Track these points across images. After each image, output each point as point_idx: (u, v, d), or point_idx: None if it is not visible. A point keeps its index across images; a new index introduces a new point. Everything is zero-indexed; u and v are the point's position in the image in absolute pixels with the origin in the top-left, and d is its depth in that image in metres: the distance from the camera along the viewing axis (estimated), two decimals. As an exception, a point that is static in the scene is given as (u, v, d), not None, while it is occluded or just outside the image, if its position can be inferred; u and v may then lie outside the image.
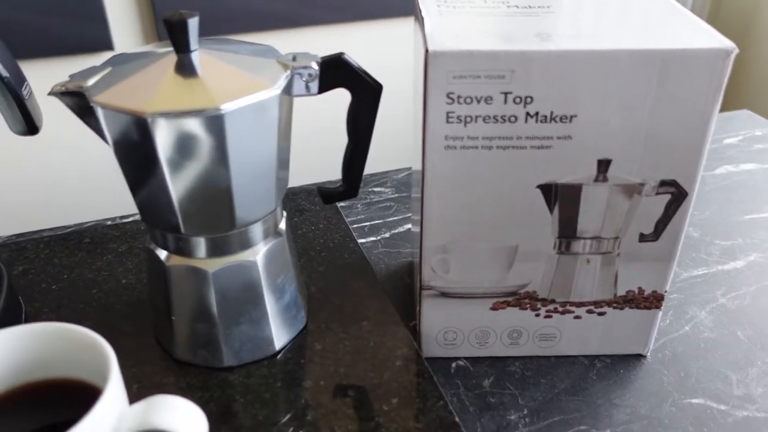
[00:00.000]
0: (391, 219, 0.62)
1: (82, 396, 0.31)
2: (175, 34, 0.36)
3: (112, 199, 0.90)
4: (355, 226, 0.61)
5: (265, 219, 0.42)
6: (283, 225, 0.44)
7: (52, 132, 0.82)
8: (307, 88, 0.39)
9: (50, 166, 0.85)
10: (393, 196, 0.66)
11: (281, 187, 0.42)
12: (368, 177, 0.70)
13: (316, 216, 0.61)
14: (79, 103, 0.36)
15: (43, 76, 0.79)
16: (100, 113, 0.35)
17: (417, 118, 0.40)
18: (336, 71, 0.39)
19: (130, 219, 0.62)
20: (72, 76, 0.37)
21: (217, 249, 0.41)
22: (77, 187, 0.88)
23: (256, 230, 0.41)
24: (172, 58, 0.37)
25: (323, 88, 0.39)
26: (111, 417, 0.28)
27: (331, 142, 0.97)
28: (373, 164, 0.82)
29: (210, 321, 0.42)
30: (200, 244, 0.40)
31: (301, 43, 0.91)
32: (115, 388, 0.28)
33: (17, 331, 0.31)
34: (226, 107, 0.34)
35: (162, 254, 0.42)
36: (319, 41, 0.91)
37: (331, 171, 0.90)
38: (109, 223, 0.61)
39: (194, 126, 0.34)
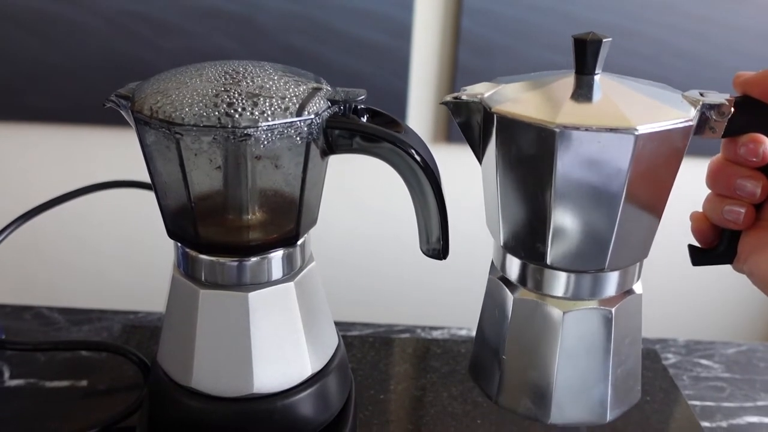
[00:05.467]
0: (726, 404, 0.56)
1: None
2: (584, 54, 0.35)
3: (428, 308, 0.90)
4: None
5: (627, 269, 0.38)
6: (639, 286, 0.40)
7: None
8: (711, 129, 0.36)
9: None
10: (724, 375, 0.60)
11: (651, 239, 0.38)
12: (691, 344, 0.64)
13: (649, 385, 0.57)
14: (467, 114, 0.36)
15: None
16: (494, 125, 0.35)
17: None
18: (752, 116, 0.35)
19: (445, 336, 0.62)
20: (465, 89, 0.37)
21: (572, 290, 0.38)
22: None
23: (615, 279, 0.38)
24: (571, 79, 0.36)
25: (731, 132, 0.36)
26: None
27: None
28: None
29: (547, 369, 0.38)
30: (558, 281, 0.37)
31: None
32: None
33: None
34: (642, 128, 0.32)
35: (507, 285, 0.39)
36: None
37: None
38: (428, 337, 0.61)
39: (602, 144, 0.33)
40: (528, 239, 0.37)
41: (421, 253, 0.42)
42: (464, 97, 0.36)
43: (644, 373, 0.43)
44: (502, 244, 0.39)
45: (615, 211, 0.34)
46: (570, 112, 0.33)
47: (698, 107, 0.35)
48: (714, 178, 0.37)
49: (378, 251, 0.87)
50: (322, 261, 0.81)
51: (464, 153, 0.82)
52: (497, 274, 0.40)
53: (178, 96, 0.35)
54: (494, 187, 0.37)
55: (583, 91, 0.35)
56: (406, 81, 0.79)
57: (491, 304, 0.41)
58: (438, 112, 0.83)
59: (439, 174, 0.39)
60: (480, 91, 0.37)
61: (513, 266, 0.39)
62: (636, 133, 0.32)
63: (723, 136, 0.36)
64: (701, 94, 0.36)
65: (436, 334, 0.63)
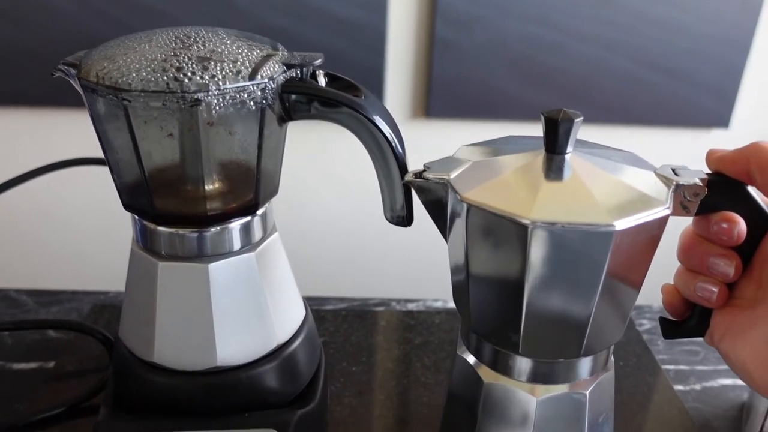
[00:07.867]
0: (700, 368, 0.56)
1: None
2: (555, 134, 0.33)
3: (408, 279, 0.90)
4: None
5: (601, 352, 0.37)
6: (612, 359, 0.39)
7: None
8: (684, 207, 0.34)
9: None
10: (698, 339, 0.59)
11: (626, 321, 0.38)
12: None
13: (622, 350, 0.57)
14: (432, 193, 0.35)
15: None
16: (463, 212, 0.33)
17: None
18: (726, 195, 0.34)
19: (420, 308, 0.61)
20: (429, 165, 0.35)
21: (545, 375, 0.37)
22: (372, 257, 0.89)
23: (589, 363, 0.37)
24: (541, 158, 0.34)
25: (704, 210, 0.34)
26: None
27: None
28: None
29: None
30: (528, 367, 0.37)
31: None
32: None
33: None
34: (619, 224, 0.31)
35: (477, 367, 0.38)
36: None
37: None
38: (403, 309, 0.61)
39: (578, 241, 0.31)
40: (499, 327, 0.36)
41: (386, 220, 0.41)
42: (430, 176, 0.35)
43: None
44: (471, 328, 0.38)
45: (591, 303, 0.34)
46: (544, 204, 0.32)
47: (671, 187, 0.34)
48: (686, 254, 0.36)
49: (353, 224, 0.86)
50: (296, 235, 0.80)
51: (443, 128, 0.81)
52: (464, 352, 0.39)
53: (125, 61, 0.34)
54: (463, 271, 0.36)
55: (554, 175, 0.34)
56: (382, 56, 0.78)
57: (460, 386, 0.40)
58: (416, 86, 0.82)
59: (401, 139, 0.39)
60: (445, 170, 0.35)
61: (482, 349, 0.38)
62: (614, 229, 0.31)
63: (695, 215, 0.34)
64: (674, 171, 0.35)
65: (411, 306, 0.63)
